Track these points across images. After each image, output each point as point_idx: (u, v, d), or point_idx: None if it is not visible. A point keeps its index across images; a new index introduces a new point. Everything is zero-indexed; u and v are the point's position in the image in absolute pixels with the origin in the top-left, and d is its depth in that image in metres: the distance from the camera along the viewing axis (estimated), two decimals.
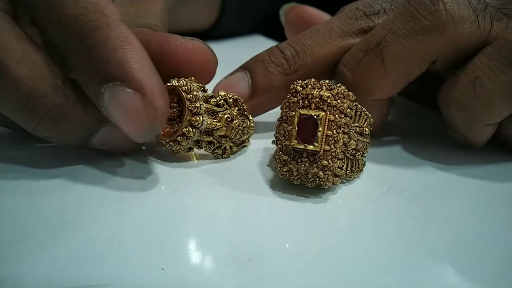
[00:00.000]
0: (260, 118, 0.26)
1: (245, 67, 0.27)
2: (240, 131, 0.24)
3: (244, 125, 0.24)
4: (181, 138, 0.22)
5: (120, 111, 0.19)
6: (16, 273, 0.16)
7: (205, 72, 0.23)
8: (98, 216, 0.19)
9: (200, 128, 0.22)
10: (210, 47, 0.24)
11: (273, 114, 0.24)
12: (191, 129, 0.22)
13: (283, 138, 0.21)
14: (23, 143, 0.25)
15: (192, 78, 0.23)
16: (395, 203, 0.21)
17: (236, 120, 0.24)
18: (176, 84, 0.22)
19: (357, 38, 0.25)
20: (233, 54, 0.49)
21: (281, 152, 0.21)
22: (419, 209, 0.20)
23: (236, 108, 0.24)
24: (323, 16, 0.33)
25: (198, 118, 0.22)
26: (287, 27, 0.36)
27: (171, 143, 0.23)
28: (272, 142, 0.22)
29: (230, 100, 0.23)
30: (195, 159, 0.24)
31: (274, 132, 0.22)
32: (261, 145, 0.26)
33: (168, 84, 0.22)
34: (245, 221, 0.19)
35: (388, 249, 0.18)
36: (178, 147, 0.23)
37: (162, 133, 0.23)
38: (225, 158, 0.24)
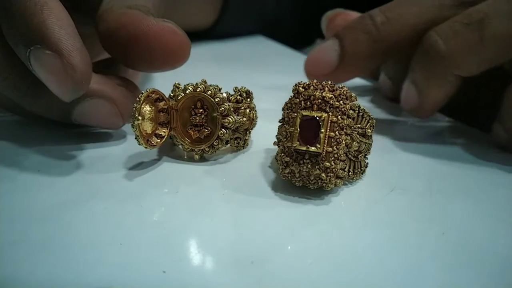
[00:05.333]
0: (262, 119, 0.26)
1: (336, 35, 0.26)
2: (256, 121, 0.25)
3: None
4: (217, 142, 0.23)
5: (43, 72, 0.20)
6: (17, 275, 0.16)
7: (178, 53, 0.23)
8: (99, 218, 0.19)
9: (232, 128, 0.23)
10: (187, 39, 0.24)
11: (275, 115, 0.24)
12: (225, 131, 0.23)
13: (285, 139, 0.21)
14: (23, 144, 0.25)
15: (204, 80, 0.23)
16: (397, 204, 0.20)
17: (253, 111, 0.24)
18: (198, 90, 0.23)
19: (452, 11, 0.24)
20: (234, 54, 0.49)
21: (283, 154, 0.21)
22: (422, 211, 0.20)
23: (248, 99, 0.24)
24: None
25: (229, 119, 0.23)
26: (330, 33, 0.34)
27: (206, 149, 0.23)
28: (274, 143, 0.22)
29: (244, 93, 0.24)
30: (197, 158, 0.24)
31: (276, 134, 0.22)
32: (262, 147, 0.26)
33: (187, 91, 0.23)
34: (246, 223, 0.19)
35: (391, 251, 0.17)
36: (213, 151, 0.23)
37: (189, 140, 0.23)
38: (245, 148, 0.25)
